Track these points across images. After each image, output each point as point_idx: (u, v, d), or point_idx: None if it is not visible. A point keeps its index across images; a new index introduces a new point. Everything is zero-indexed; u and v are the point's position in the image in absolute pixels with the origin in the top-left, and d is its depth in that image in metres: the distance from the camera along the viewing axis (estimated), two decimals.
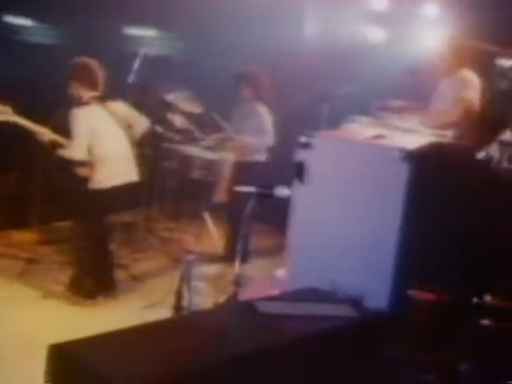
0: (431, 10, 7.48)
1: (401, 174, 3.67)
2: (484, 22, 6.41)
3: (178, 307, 4.27)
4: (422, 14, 7.47)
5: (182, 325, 3.36)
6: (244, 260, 4.18)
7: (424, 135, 5.47)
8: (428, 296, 3.87)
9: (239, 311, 3.45)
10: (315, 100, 6.36)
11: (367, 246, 3.78)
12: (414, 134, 5.44)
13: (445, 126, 5.96)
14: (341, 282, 3.72)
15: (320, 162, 3.93)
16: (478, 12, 6.69)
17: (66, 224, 6.22)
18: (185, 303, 4.29)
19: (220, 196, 6.73)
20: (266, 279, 5.08)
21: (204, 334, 3.08)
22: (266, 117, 6.80)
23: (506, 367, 3.89)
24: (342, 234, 3.87)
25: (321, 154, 3.93)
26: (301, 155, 4.02)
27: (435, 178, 3.87)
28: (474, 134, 5.93)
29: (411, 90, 6.38)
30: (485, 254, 4.20)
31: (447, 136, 5.58)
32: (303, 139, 4.02)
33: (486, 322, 3.95)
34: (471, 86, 6.21)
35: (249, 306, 3.40)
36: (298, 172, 3.98)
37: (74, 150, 5.40)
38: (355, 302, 3.64)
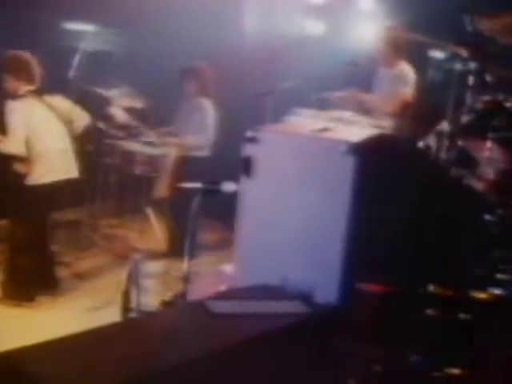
0: (367, 2, 7.44)
1: (347, 167, 3.58)
2: (418, 14, 6.36)
3: (126, 308, 4.11)
4: (359, 6, 7.43)
5: (132, 328, 3.20)
6: (191, 256, 4.05)
7: (363, 126, 5.43)
8: (374, 288, 3.79)
9: (190, 312, 3.31)
10: (259, 94, 6.24)
11: (316, 240, 3.68)
12: (354, 125, 5.40)
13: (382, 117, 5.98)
14: (291, 278, 3.61)
15: (267, 157, 3.81)
16: (412, 4, 6.65)
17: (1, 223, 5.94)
18: (133, 303, 4.12)
19: (162, 191, 6.59)
20: (214, 275, 4.94)
21: (155, 337, 2.94)
22: (210, 112, 6.69)
23: (452, 355, 3.83)
24: (290, 229, 3.76)
25: (268, 148, 3.81)
26: (248, 150, 3.88)
27: (380, 170, 3.79)
28: (411, 125, 5.92)
29: (353, 82, 6.32)
30: (428, 244, 4.13)
31: (385, 127, 5.55)
32: (249, 134, 3.88)
33: (430, 311, 3.91)
34: (406, 81, 6.20)
35: (200, 306, 3.27)
36: (245, 167, 3.84)
37: (11, 145, 5.16)
38: (306, 298, 3.53)
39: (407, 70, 6.27)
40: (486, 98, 4.65)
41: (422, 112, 5.94)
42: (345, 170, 3.60)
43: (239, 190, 3.96)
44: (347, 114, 5.72)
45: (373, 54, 6.41)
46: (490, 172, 4.57)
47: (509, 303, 4.22)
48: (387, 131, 5.60)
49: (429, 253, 4.14)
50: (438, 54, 7.07)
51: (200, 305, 3.28)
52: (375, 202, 3.76)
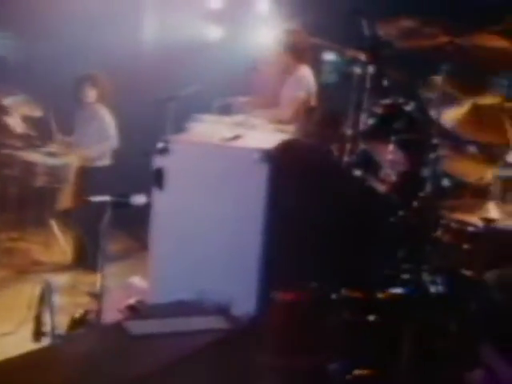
0: (265, 6, 7.39)
1: (261, 176, 3.50)
2: (317, 18, 6.35)
3: (38, 333, 3.85)
4: (257, 10, 7.37)
5: (46, 357, 2.97)
6: (101, 271, 3.87)
7: (268, 131, 5.36)
8: (286, 296, 3.72)
9: (107, 335, 3.14)
10: (160, 101, 6.07)
11: (232, 250, 3.60)
12: (260, 131, 5.33)
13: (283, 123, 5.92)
14: (208, 290, 3.48)
15: (179, 168, 3.69)
16: (311, 7, 6.63)
17: None
18: (46, 327, 3.87)
19: (66, 203, 6.31)
20: (123, 288, 4.74)
21: (72, 366, 2.74)
22: (109, 119, 6.46)
23: (364, 357, 3.80)
24: (205, 241, 3.66)
25: (179, 159, 3.69)
26: (158, 161, 3.73)
27: (292, 176, 3.74)
28: (313, 129, 5.89)
29: (256, 87, 6.24)
30: (339, 248, 4.10)
31: (289, 131, 5.50)
32: (160, 145, 3.74)
33: (343, 315, 3.87)
34: (304, 85, 6.14)
35: (117, 328, 3.09)
36: (157, 179, 3.70)
37: None
38: (224, 311, 3.42)
39: (306, 74, 6.22)
40: (387, 101, 4.66)
41: (322, 116, 5.92)
42: (258, 178, 3.53)
43: (150, 202, 3.82)
44: (250, 120, 5.65)
45: (273, 58, 6.32)
46: (391, 174, 4.58)
47: (412, 301, 4.23)
48: (291, 136, 5.57)
49: (341, 256, 4.11)
50: (335, 58, 7.13)
51: (117, 326, 3.11)
52: (289, 208, 3.70)
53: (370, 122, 4.65)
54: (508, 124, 4.76)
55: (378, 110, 4.66)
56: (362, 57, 4.74)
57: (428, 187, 4.38)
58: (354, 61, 4.79)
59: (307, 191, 3.88)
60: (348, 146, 4.83)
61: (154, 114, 6.12)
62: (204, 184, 3.67)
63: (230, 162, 3.63)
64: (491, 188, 4.68)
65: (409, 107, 4.59)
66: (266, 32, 7.06)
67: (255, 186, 3.53)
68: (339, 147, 4.99)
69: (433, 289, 4.36)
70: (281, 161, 3.61)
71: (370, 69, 4.71)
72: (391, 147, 4.49)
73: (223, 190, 3.61)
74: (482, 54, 4.30)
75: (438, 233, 4.55)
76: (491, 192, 4.64)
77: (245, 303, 3.49)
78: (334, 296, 3.93)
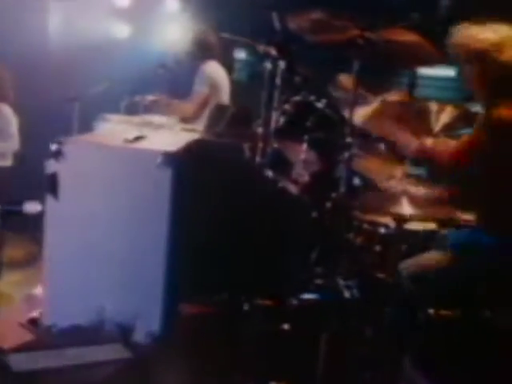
0: (172, 4, 6.93)
1: (164, 180, 3.02)
2: (226, 15, 5.91)
3: None
4: (165, 7, 6.90)
5: None
6: None
7: (175, 131, 4.93)
8: (194, 310, 3.26)
9: None
10: (65, 100, 5.52)
11: (134, 262, 3.11)
12: (167, 130, 4.88)
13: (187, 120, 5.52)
14: (108, 308, 2.98)
15: (75, 172, 3.16)
16: (219, 4, 6.18)
17: None
18: None
19: None
20: (24, 300, 4.15)
21: None
22: (10, 118, 5.83)
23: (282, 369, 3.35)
24: (105, 253, 3.16)
25: (75, 162, 3.17)
26: (53, 166, 3.19)
27: (199, 179, 3.27)
28: (226, 129, 5.48)
29: (165, 85, 5.76)
30: (251, 254, 3.67)
31: (198, 131, 5.09)
32: (54, 147, 3.19)
33: (258, 326, 3.45)
34: (209, 80, 5.72)
35: None
36: (51, 185, 3.16)
37: None
38: (125, 333, 2.91)
39: (212, 70, 5.80)
40: (297, 98, 4.25)
41: (233, 114, 5.50)
42: (161, 182, 3.06)
43: (44, 210, 3.28)
44: (159, 119, 5.23)
45: (181, 56, 5.87)
46: (304, 174, 4.18)
47: (327, 307, 3.84)
48: (200, 135, 5.16)
49: (253, 262, 3.68)
50: (248, 55, 6.73)
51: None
52: (196, 214, 3.23)
53: (281, 120, 4.22)
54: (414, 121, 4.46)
55: (289, 108, 4.25)
56: (273, 52, 4.31)
57: (340, 187, 3.99)
58: (265, 56, 4.35)
59: (216, 195, 3.43)
60: (260, 146, 4.43)
61: (61, 113, 5.59)
62: (102, 190, 3.17)
63: (131, 165, 3.13)
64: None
65: (320, 104, 4.19)
66: (175, 29, 6.58)
67: (158, 192, 3.05)
68: (251, 146, 4.58)
69: (347, 293, 3.99)
70: (186, 163, 3.14)
71: (281, 64, 4.29)
72: (303, 146, 4.08)
73: (124, 196, 3.12)
74: (392, 47, 3.92)
75: (351, 235, 4.22)
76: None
77: (149, 320, 3.02)
78: (246, 306, 3.50)
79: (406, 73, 6.44)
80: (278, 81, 4.41)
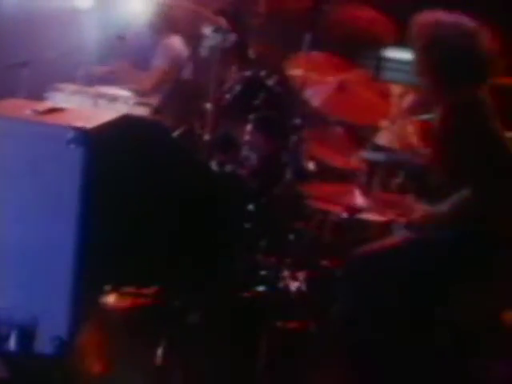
0: None
1: (74, 160, 2.39)
2: None
3: None
4: None
5: None
6: None
7: (128, 104, 4.37)
8: (119, 304, 2.68)
9: None
10: (13, 66, 4.86)
11: (38, 254, 2.46)
12: (118, 103, 4.34)
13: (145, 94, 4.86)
14: (7, 306, 2.36)
15: None
16: None
17: None
18: None
19: None
20: None
21: None
22: None
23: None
24: (5, 243, 2.49)
25: None
26: None
27: (118, 161, 2.67)
28: (172, 103, 4.89)
29: (125, 56, 5.13)
30: (185, 244, 3.09)
31: (150, 104, 4.51)
32: None
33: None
34: (171, 56, 5.10)
35: None
36: None
37: None
38: (26, 334, 2.29)
39: (174, 45, 5.17)
40: (246, 74, 3.64)
41: (183, 90, 4.92)
42: (71, 163, 2.42)
43: None
44: (114, 91, 4.62)
45: (143, 27, 5.22)
46: (251, 157, 3.59)
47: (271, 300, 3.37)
48: (151, 109, 4.57)
49: (187, 253, 3.09)
50: (206, 30, 6.06)
51: None
52: (112, 201, 2.63)
53: (228, 97, 3.61)
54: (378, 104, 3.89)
55: (237, 84, 3.64)
56: (224, 24, 3.68)
57: (290, 172, 3.40)
58: (216, 30, 3.72)
59: (139, 179, 2.81)
60: (209, 124, 3.84)
61: (9, 79, 4.93)
62: (3, 170, 2.51)
63: (37, 141, 2.48)
64: (357, 173, 3.82)
65: (271, 81, 3.57)
66: (139, 1, 5.88)
67: (68, 173, 2.43)
68: (200, 124, 3.99)
69: (293, 286, 3.44)
70: (103, 142, 2.50)
71: (231, 37, 3.67)
72: (250, 127, 3.48)
73: (28, 178, 2.46)
74: (349, 23, 3.31)
75: (300, 223, 3.67)
76: (357, 177, 3.78)
77: (55, 322, 2.40)
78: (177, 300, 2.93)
79: (373, 55, 5.78)
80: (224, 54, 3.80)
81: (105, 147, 2.48)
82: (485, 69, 2.90)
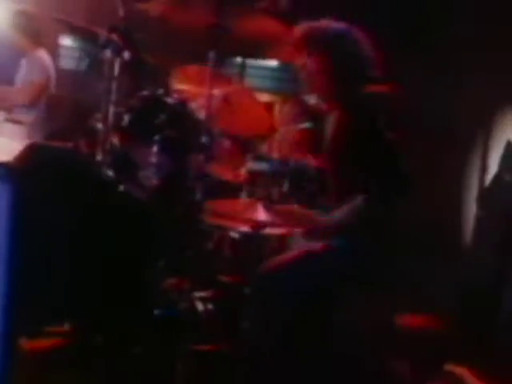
0: None
1: (2, 197, 2.03)
2: None
3: None
4: None
5: None
6: None
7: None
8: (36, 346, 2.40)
9: None
10: None
11: None
12: None
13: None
14: None
15: None
16: None
17: None
18: None
19: None
20: None
21: None
22: None
23: None
24: None
25: None
26: None
27: (39, 190, 2.34)
28: (49, 121, 4.55)
29: None
30: (95, 270, 2.83)
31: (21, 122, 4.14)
32: None
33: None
34: (44, 70, 4.76)
35: None
36: None
37: None
38: None
39: (44, 59, 4.82)
40: (145, 93, 3.41)
41: (68, 108, 4.59)
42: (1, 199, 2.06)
43: None
44: None
45: (4, 39, 4.79)
46: (152, 177, 3.36)
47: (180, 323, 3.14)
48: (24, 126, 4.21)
49: (98, 283, 2.82)
50: (81, 42, 5.72)
51: None
52: (35, 232, 2.31)
53: (126, 117, 3.35)
54: (263, 113, 3.83)
55: (136, 104, 3.39)
56: (115, 40, 3.41)
57: (200, 192, 3.23)
58: (106, 45, 3.43)
59: (54, 207, 2.52)
60: (100, 144, 3.54)
61: None
62: None
63: None
64: (245, 185, 3.74)
65: (170, 100, 3.37)
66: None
67: None
68: (88, 144, 3.67)
69: (200, 306, 3.28)
70: (24, 177, 2.18)
71: (125, 54, 3.41)
72: (154, 148, 3.25)
73: None
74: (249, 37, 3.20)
75: (202, 241, 3.51)
76: (244, 189, 3.70)
77: None
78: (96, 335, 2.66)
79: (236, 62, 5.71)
80: (116, 72, 3.54)
81: (27, 182, 2.17)
82: (370, 68, 2.93)
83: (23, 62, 4.88)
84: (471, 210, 4.74)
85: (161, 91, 3.38)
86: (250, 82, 5.63)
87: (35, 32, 4.83)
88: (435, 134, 4.56)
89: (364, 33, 2.96)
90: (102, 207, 2.83)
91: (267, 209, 3.22)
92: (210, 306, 3.39)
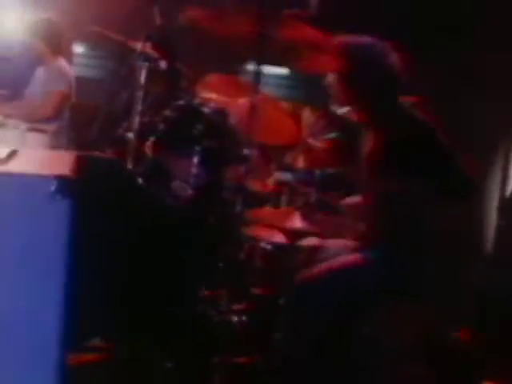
0: None
1: (60, 214, 1.94)
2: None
3: None
4: None
5: None
6: None
7: (20, 129, 3.97)
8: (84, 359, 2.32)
9: None
10: None
11: (22, 326, 1.96)
12: (8, 129, 3.92)
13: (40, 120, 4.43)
14: None
15: None
16: None
17: None
18: None
19: None
20: None
21: None
22: None
23: None
24: None
25: None
26: None
27: (94, 206, 2.24)
28: (74, 129, 4.47)
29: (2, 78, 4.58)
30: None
31: (46, 131, 4.05)
32: None
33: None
34: (67, 79, 4.66)
35: None
36: None
37: None
38: None
39: (65, 68, 4.72)
40: (181, 103, 3.32)
41: (82, 114, 4.50)
42: (56, 217, 1.96)
43: None
44: None
45: (24, 47, 4.69)
46: (186, 187, 3.28)
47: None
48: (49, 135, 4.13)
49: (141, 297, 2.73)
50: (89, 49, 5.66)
51: None
52: (94, 248, 2.22)
53: (161, 127, 3.26)
54: (289, 123, 3.74)
55: (171, 114, 3.30)
56: (150, 50, 3.33)
57: (239, 203, 3.15)
58: (141, 54, 3.34)
59: (109, 220, 2.42)
60: (130, 153, 3.46)
61: None
62: None
63: (11, 195, 1.99)
64: (271, 195, 3.67)
65: (207, 109, 3.28)
66: (13, 17, 5.27)
67: (51, 229, 1.97)
68: (117, 153, 3.59)
69: (235, 318, 3.19)
70: (83, 190, 2.09)
71: (161, 64, 3.32)
72: (192, 158, 3.16)
73: (7, 236, 1.97)
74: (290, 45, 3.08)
75: (236, 251, 3.42)
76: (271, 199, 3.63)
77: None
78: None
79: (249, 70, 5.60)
80: (144, 81, 3.46)
81: (86, 196, 2.07)
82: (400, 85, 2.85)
83: (40, 71, 4.78)
84: (492, 219, 4.69)
85: (197, 101, 3.29)
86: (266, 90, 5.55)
87: (56, 41, 4.74)
88: (457, 145, 4.50)
89: (395, 46, 2.91)
90: (149, 219, 2.73)
91: (305, 217, 3.16)
92: (244, 318, 3.31)
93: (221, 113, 3.24)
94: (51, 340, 1.94)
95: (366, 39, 2.88)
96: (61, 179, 1.98)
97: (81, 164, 2.28)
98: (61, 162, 2.23)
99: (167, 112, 3.29)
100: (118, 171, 2.74)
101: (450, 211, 2.85)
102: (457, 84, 4.46)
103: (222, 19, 3.00)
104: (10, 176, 1.93)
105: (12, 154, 2.20)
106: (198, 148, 3.14)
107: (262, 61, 3.01)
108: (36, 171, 2.08)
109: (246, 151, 3.08)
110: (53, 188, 1.91)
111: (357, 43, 2.86)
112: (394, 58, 2.85)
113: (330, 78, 2.96)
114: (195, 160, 3.14)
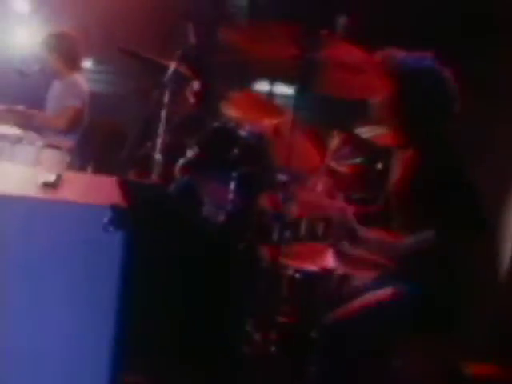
0: (22, 6, 5.43)
1: (113, 245, 1.76)
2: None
3: None
4: (14, 9, 5.39)
5: None
6: None
7: (35, 145, 3.70)
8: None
9: None
10: None
11: (72, 358, 1.78)
12: (24, 145, 3.58)
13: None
14: None
15: None
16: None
17: None
18: None
19: None
20: None
21: None
22: None
23: None
24: (30, 347, 1.79)
25: None
26: None
27: (145, 234, 2.06)
28: (92, 146, 4.31)
29: (23, 93, 4.40)
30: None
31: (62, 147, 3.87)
32: None
33: None
34: (81, 94, 4.52)
35: None
36: None
37: None
38: None
39: (80, 82, 4.57)
40: (216, 125, 3.15)
41: (101, 132, 4.35)
42: (108, 249, 1.78)
43: None
44: (14, 131, 3.81)
45: (42, 63, 4.54)
46: (218, 213, 3.11)
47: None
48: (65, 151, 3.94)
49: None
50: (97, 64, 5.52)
51: None
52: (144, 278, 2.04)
53: (195, 150, 3.09)
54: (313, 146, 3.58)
55: (205, 136, 3.14)
56: (184, 70, 3.16)
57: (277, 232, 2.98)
58: (174, 73, 3.18)
59: (158, 253, 2.24)
60: (157, 174, 3.30)
61: None
62: (23, 257, 1.81)
63: (62, 225, 1.80)
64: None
65: (243, 132, 3.11)
66: (29, 33, 5.12)
67: (103, 261, 1.79)
68: (140, 174, 3.42)
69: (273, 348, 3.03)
70: (137, 220, 1.91)
71: (194, 84, 3.16)
72: (229, 184, 2.99)
73: (48, 267, 1.79)
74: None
75: (268, 282, 3.25)
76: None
77: None
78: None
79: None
80: (167, 100, 3.30)
81: (137, 225, 1.89)
82: (451, 107, 2.70)
83: (56, 84, 4.65)
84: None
85: (232, 123, 3.12)
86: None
87: (72, 56, 4.61)
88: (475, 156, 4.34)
89: (446, 67, 2.74)
90: (192, 247, 2.56)
91: (338, 255, 2.99)
92: (273, 349, 3.14)
93: (257, 136, 3.07)
94: (100, 373, 1.77)
95: (413, 53, 2.72)
96: (114, 208, 1.81)
97: (127, 191, 2.11)
98: (104, 188, 2.06)
99: (202, 134, 3.13)
100: (162, 197, 2.55)
101: (472, 246, 2.71)
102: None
103: (264, 41, 2.83)
104: (63, 204, 1.75)
105: (59, 179, 2.02)
106: (234, 174, 2.97)
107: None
108: (83, 197, 1.92)
109: (281, 177, 2.91)
110: (107, 218, 1.73)
111: (405, 57, 2.70)
112: (446, 72, 2.69)
113: (374, 100, 2.80)
114: (231, 186, 2.97)
